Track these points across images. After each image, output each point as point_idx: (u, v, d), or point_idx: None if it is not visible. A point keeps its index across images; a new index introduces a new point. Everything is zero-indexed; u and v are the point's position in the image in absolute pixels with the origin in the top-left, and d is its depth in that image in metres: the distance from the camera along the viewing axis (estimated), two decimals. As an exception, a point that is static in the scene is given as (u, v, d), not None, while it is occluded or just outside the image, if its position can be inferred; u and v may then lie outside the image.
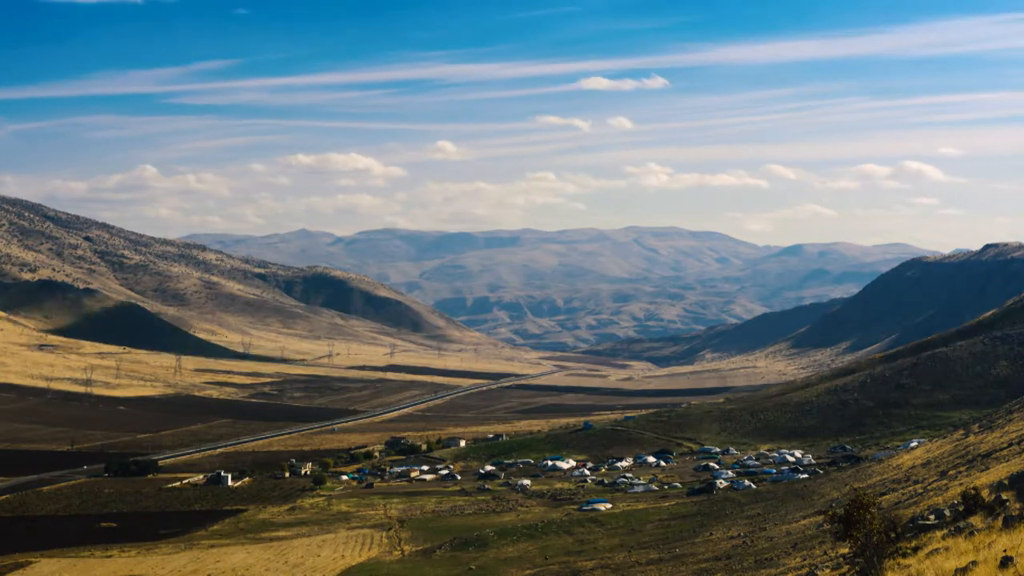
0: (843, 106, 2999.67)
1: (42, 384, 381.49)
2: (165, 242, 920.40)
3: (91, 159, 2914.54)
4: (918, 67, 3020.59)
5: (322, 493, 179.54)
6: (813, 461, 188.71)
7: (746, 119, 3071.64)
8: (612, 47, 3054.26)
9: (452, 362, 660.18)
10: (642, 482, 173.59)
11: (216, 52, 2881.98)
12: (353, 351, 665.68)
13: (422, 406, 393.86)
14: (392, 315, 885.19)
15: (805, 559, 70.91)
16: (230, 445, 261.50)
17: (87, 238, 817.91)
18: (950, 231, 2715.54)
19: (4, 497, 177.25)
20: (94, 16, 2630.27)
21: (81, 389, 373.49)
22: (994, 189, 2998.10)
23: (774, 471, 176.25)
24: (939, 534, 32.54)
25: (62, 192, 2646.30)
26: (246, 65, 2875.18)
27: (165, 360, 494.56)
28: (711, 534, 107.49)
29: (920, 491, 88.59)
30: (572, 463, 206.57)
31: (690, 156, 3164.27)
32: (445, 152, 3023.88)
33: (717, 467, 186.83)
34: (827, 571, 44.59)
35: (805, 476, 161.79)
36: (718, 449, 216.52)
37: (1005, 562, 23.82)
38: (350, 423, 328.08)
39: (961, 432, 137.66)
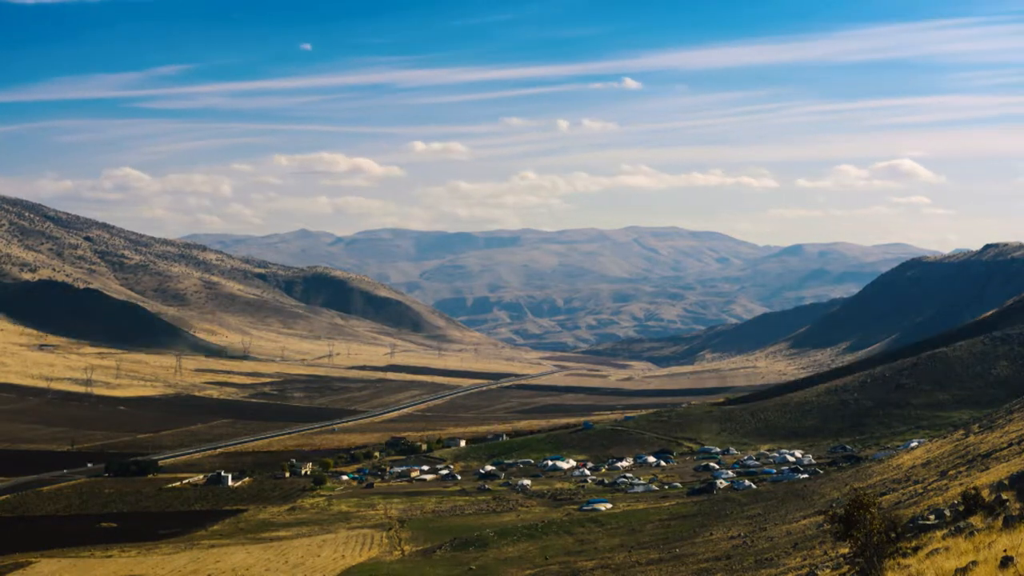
0: (795, 109, 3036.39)
1: (42, 384, 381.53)
2: (165, 242, 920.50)
3: (68, 162, 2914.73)
4: (858, 71, 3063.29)
5: (322, 493, 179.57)
6: (813, 461, 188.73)
7: (708, 121, 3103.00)
8: (557, 52, 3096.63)
9: (452, 362, 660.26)
10: (642, 482, 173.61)
11: (172, 57, 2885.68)
12: (353, 351, 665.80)
13: (422, 406, 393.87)
14: (392, 315, 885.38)
15: (805, 559, 70.91)
16: (230, 445, 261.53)
17: (87, 238, 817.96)
18: (935, 229, 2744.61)
19: (4, 497, 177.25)
20: (47, 18, 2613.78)
21: (81, 389, 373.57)
22: (971, 191, 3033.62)
23: (774, 471, 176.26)
24: (939, 534, 32.53)
25: (44, 194, 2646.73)
26: (203, 70, 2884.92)
27: (165, 360, 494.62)
28: (711, 534, 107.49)
29: (920, 491, 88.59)
30: (572, 463, 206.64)
31: (664, 157, 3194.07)
32: (421, 153, 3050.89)
33: (717, 467, 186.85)
34: (827, 571, 44.59)
35: (805, 476, 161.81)
36: (718, 449, 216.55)
37: (1005, 562, 23.81)
38: (350, 423, 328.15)
39: (961, 432, 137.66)
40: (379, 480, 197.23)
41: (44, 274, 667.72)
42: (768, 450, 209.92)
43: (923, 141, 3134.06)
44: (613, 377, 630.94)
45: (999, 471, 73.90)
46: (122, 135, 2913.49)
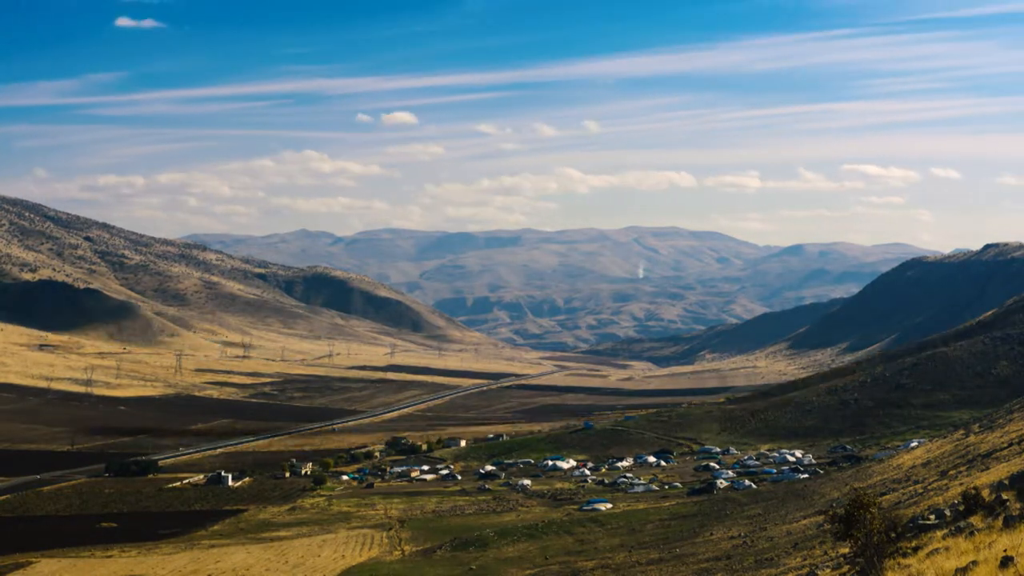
0: (720, 116, 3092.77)
1: (42, 384, 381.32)
2: (165, 242, 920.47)
3: (31, 166, 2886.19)
4: (767, 80, 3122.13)
5: (322, 493, 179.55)
6: (813, 461, 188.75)
7: (647, 126, 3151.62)
8: (466, 62, 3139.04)
9: (452, 362, 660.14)
10: (642, 482, 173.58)
11: (104, 64, 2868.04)
12: (353, 351, 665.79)
13: (422, 406, 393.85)
14: (392, 315, 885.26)
15: (805, 559, 70.91)
16: (230, 445, 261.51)
17: (87, 238, 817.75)
18: (910, 229, 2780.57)
19: (4, 497, 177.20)
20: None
21: (81, 389, 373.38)
22: (917, 191, 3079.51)
23: (774, 471, 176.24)
24: (939, 534, 32.53)
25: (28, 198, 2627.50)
26: (138, 77, 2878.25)
27: (165, 360, 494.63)
28: (711, 534, 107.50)
29: (920, 491, 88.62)
30: (572, 463, 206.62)
31: (607, 159, 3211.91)
32: (393, 157, 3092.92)
33: (717, 467, 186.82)
34: (827, 571, 44.59)
35: (805, 476, 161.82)
36: (718, 449, 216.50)
37: (1005, 562, 23.81)
38: (350, 423, 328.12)
39: (961, 432, 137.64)
40: (379, 480, 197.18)
41: (44, 274, 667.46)
42: (768, 450, 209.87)
43: (867, 145, 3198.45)
44: (613, 377, 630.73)
45: (999, 471, 73.93)
46: (79, 141, 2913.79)
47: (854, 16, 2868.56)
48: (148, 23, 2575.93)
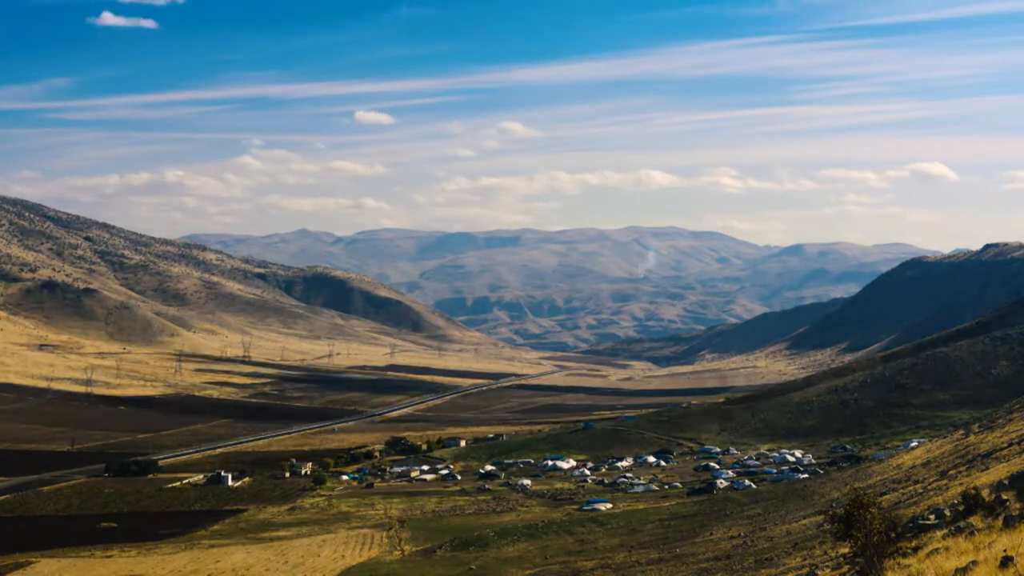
0: (672, 119, 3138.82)
1: (42, 384, 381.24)
2: (165, 242, 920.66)
3: (10, 170, 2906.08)
4: (704, 85, 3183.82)
5: (322, 493, 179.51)
6: (813, 461, 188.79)
7: (626, 127, 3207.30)
8: (401, 71, 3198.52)
9: (452, 362, 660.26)
10: (642, 482, 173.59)
11: (61, 69, 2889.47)
12: (353, 351, 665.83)
13: (422, 406, 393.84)
14: (392, 315, 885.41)
15: (805, 559, 70.90)
16: (230, 445, 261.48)
17: (87, 238, 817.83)
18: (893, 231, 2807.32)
19: (4, 497, 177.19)
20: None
21: (81, 389, 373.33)
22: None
23: (774, 471, 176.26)
24: (939, 534, 32.52)
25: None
26: (94, 82, 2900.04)
27: (165, 360, 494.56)
28: (711, 534, 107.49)
29: (920, 491, 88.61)
30: (572, 463, 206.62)
31: (589, 160, 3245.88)
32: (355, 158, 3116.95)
33: (717, 467, 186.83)
34: (827, 571, 44.61)
35: (805, 476, 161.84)
36: (718, 449, 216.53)
37: (1005, 562, 23.80)
38: (351, 423, 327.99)
39: (961, 432, 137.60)
40: (379, 480, 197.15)
41: (44, 274, 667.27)
42: (768, 450, 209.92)
43: (848, 146, 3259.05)
44: (613, 377, 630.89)
45: (999, 471, 73.91)
46: (50, 144, 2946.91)
47: (782, 23, 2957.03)
48: (108, 18, 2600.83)
